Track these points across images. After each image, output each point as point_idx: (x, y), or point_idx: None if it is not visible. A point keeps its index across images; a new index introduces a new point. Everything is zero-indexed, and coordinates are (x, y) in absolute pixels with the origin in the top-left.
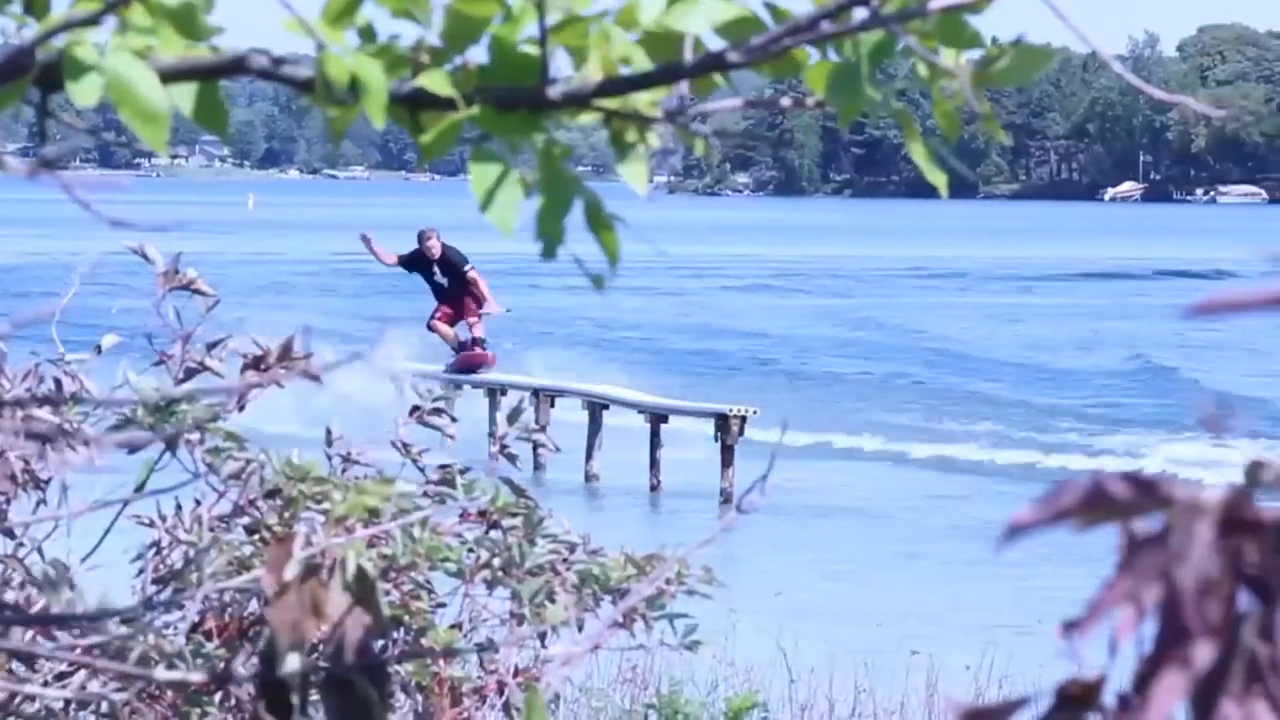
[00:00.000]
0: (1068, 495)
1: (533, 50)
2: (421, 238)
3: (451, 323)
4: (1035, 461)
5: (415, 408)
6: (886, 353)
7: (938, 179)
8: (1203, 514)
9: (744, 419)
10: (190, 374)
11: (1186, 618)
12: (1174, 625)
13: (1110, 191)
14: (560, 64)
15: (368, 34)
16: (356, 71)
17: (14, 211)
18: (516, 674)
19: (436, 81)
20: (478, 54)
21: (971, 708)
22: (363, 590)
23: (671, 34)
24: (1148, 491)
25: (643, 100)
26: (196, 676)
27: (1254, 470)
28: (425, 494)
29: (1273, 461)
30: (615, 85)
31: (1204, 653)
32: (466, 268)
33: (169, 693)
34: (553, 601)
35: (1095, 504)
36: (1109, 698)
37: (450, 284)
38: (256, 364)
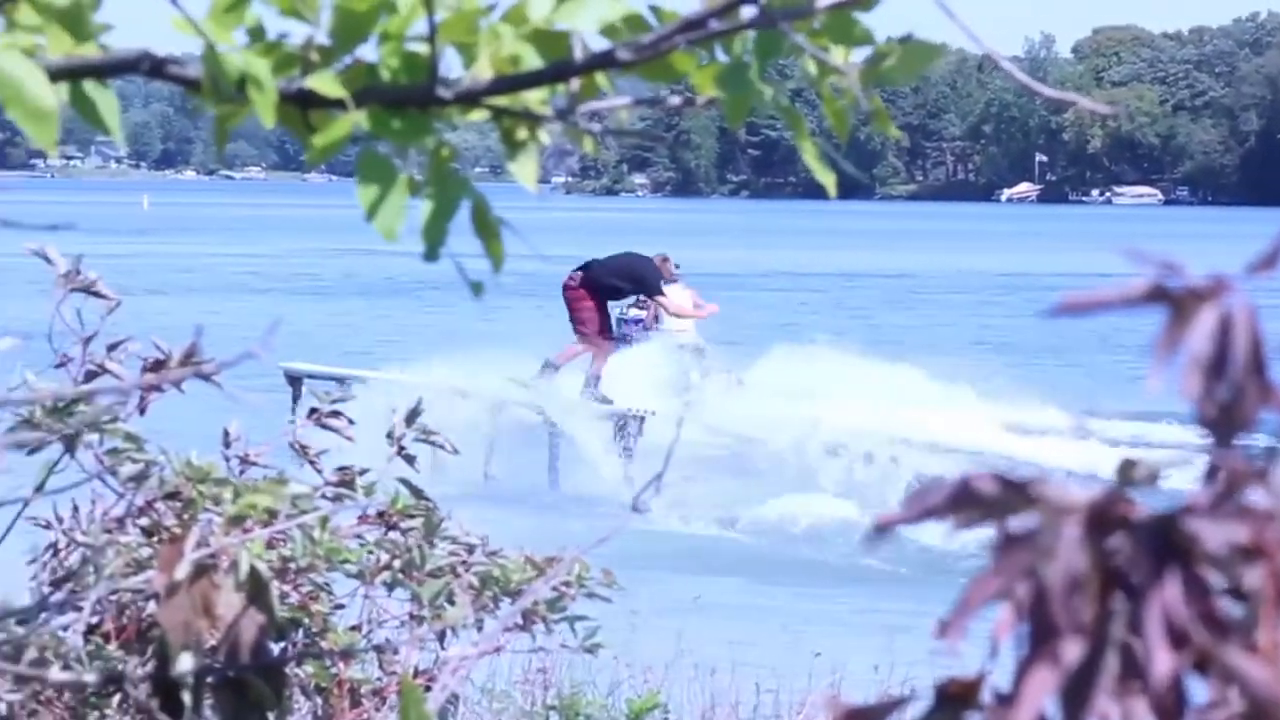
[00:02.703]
0: (935, 494)
1: (422, 49)
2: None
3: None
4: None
5: (313, 409)
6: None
7: (827, 179)
8: (1071, 512)
9: (643, 419)
10: (91, 376)
11: (1054, 615)
12: (1043, 623)
13: (1007, 192)
14: (450, 63)
15: (256, 33)
16: (245, 70)
17: None
18: (416, 675)
19: (325, 82)
20: (367, 52)
21: (851, 707)
22: (256, 590)
23: (560, 33)
24: (1016, 490)
25: (533, 98)
26: (91, 677)
27: (1125, 469)
28: (324, 495)
29: (1143, 460)
30: (506, 83)
31: (1072, 649)
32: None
33: (65, 694)
34: (452, 603)
35: (963, 503)
36: (988, 697)
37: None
38: (157, 367)
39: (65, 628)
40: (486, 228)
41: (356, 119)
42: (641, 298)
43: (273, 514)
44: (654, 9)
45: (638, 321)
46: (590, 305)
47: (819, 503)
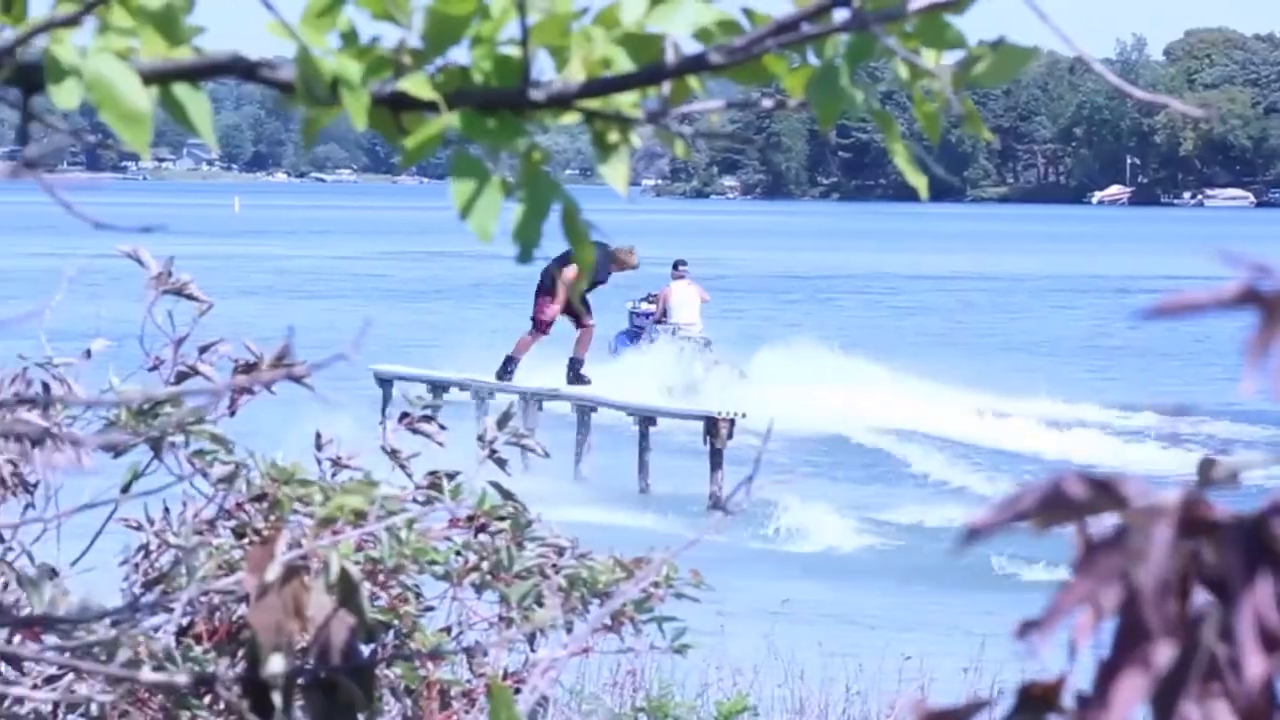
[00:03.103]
0: (1026, 497)
1: (514, 52)
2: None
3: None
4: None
5: (404, 414)
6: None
7: (919, 181)
8: (1161, 515)
9: (732, 423)
10: (182, 378)
11: (1146, 619)
12: (1134, 626)
13: (1097, 195)
14: (542, 66)
15: (349, 36)
16: (338, 73)
17: (1, 215)
18: (505, 677)
19: (417, 85)
20: (459, 55)
21: (933, 709)
22: (346, 592)
23: (652, 35)
24: (1105, 492)
25: (625, 101)
26: (182, 678)
27: (1205, 469)
28: (414, 499)
29: (1222, 460)
30: (597, 86)
31: (1164, 653)
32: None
33: (157, 695)
34: (541, 605)
35: (1053, 505)
36: (1069, 699)
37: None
38: (248, 369)
39: (157, 629)
40: (576, 230)
41: (449, 121)
42: (651, 293)
43: (362, 516)
44: (746, 12)
45: (647, 315)
46: (544, 296)
47: (910, 503)
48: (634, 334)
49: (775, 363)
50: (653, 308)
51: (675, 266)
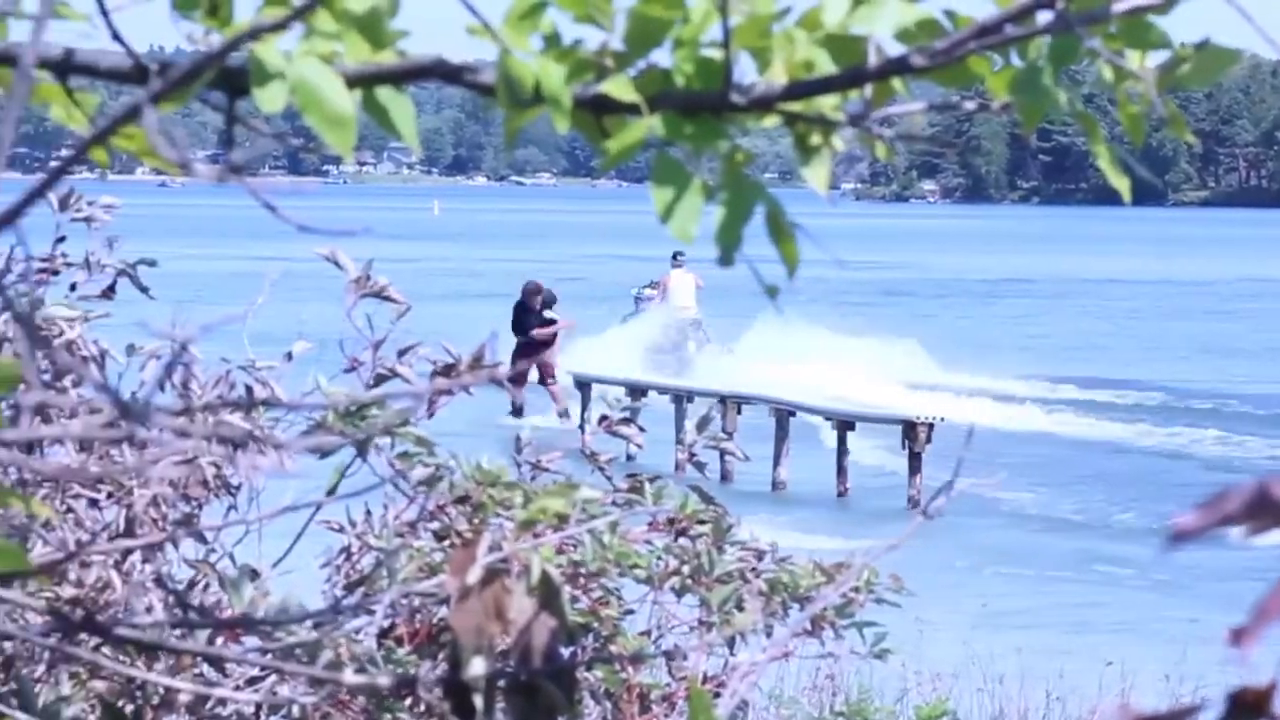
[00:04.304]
0: (1231, 501)
1: (716, 54)
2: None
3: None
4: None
5: (604, 417)
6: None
7: (1121, 184)
8: None
9: (931, 426)
10: (380, 380)
11: None
12: None
13: None
14: (744, 68)
15: (552, 39)
16: (539, 75)
17: (203, 219)
18: (705, 681)
19: (620, 87)
20: (661, 57)
21: (1140, 715)
22: (547, 595)
23: (855, 37)
24: None
25: (827, 104)
26: (385, 681)
27: None
28: (614, 501)
29: None
30: (799, 89)
31: None
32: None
33: (358, 697)
34: (741, 609)
35: (1259, 509)
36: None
37: None
38: (447, 371)
39: (359, 631)
40: (781, 232)
41: (650, 124)
42: (654, 280)
43: (563, 519)
44: (949, 13)
45: (650, 299)
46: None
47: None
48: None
49: (763, 341)
50: (654, 293)
51: (674, 257)
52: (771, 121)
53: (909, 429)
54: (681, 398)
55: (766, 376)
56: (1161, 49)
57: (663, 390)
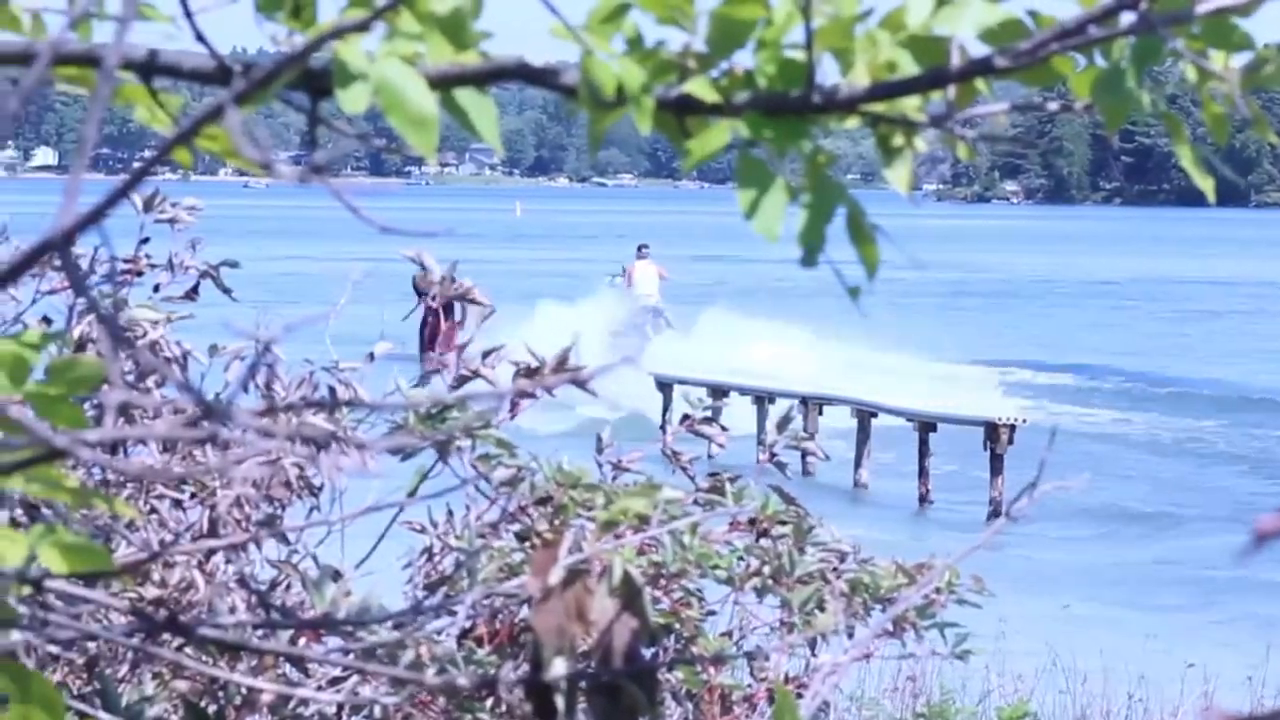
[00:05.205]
0: None
1: (799, 55)
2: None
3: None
4: None
5: (686, 416)
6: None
7: (1205, 184)
8: None
9: (1013, 428)
10: (463, 381)
11: None
12: None
13: None
14: (826, 69)
15: (634, 41)
16: (621, 77)
17: (287, 219)
18: (786, 681)
19: (703, 88)
20: (743, 59)
21: (1229, 716)
22: (629, 596)
23: (938, 38)
24: None
25: (909, 105)
26: (465, 681)
27: None
28: (695, 501)
29: None
30: (882, 90)
31: None
32: None
33: (440, 698)
34: (823, 610)
35: None
36: None
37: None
38: (530, 373)
39: (440, 632)
40: (861, 234)
41: (733, 125)
42: (625, 266)
43: (644, 520)
44: (1032, 13)
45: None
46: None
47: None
48: None
49: (717, 326)
50: (622, 280)
51: (639, 249)
52: (854, 123)
53: (990, 430)
54: (763, 398)
55: (716, 357)
56: (1245, 50)
57: (744, 391)
